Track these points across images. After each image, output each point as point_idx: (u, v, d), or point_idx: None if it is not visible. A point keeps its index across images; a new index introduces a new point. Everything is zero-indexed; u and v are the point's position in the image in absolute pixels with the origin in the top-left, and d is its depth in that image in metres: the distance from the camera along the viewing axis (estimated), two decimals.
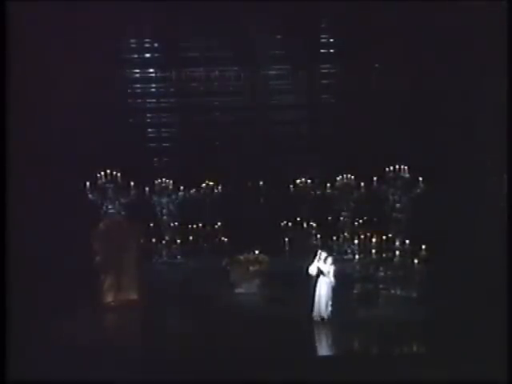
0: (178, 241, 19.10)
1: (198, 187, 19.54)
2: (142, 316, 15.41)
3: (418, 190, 17.86)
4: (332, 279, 14.02)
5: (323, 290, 14.07)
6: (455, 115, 18.86)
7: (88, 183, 18.00)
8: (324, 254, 14.20)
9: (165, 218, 19.39)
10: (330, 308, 14.10)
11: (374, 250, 16.23)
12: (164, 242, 19.09)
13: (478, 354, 11.51)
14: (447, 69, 18.74)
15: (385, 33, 19.47)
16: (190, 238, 19.21)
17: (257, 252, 17.26)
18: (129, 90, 21.84)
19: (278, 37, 21.14)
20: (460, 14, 17.69)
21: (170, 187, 19.17)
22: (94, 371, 11.43)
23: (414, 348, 13.25)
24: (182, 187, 19.18)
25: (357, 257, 17.70)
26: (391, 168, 18.21)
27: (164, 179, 19.21)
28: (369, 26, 19.59)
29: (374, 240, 16.51)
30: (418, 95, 19.47)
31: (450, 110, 18.95)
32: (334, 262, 14.25)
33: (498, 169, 16.32)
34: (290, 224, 19.37)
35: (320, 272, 14.02)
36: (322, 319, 14.06)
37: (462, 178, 18.30)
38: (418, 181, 17.88)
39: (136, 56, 21.44)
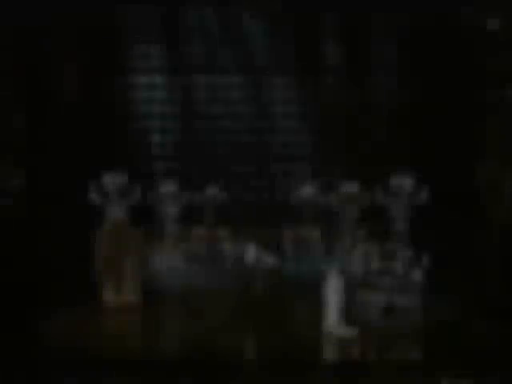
0: (178, 241, 19.05)
1: (200, 190, 19.51)
2: (142, 317, 15.40)
3: (421, 197, 17.85)
4: None
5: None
6: (455, 116, 18.89)
7: (88, 183, 17.95)
8: None
9: (165, 218, 19.34)
10: None
11: (375, 258, 16.26)
12: (164, 242, 19.02)
13: (478, 363, 11.49)
14: (448, 70, 18.78)
15: (385, 33, 19.54)
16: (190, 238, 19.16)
17: None
18: (131, 95, 21.75)
19: (280, 43, 21.16)
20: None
21: (172, 189, 19.11)
22: (94, 372, 11.38)
23: (415, 355, 13.20)
24: (183, 189, 19.13)
25: (357, 264, 17.76)
26: (393, 173, 18.20)
27: (166, 181, 19.16)
28: (369, 28, 19.67)
29: (375, 247, 16.53)
30: (418, 96, 19.47)
31: (451, 111, 18.98)
32: None
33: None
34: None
35: None
36: None
37: (463, 181, 18.32)
38: (421, 186, 17.86)
39: (138, 60, 21.37)
